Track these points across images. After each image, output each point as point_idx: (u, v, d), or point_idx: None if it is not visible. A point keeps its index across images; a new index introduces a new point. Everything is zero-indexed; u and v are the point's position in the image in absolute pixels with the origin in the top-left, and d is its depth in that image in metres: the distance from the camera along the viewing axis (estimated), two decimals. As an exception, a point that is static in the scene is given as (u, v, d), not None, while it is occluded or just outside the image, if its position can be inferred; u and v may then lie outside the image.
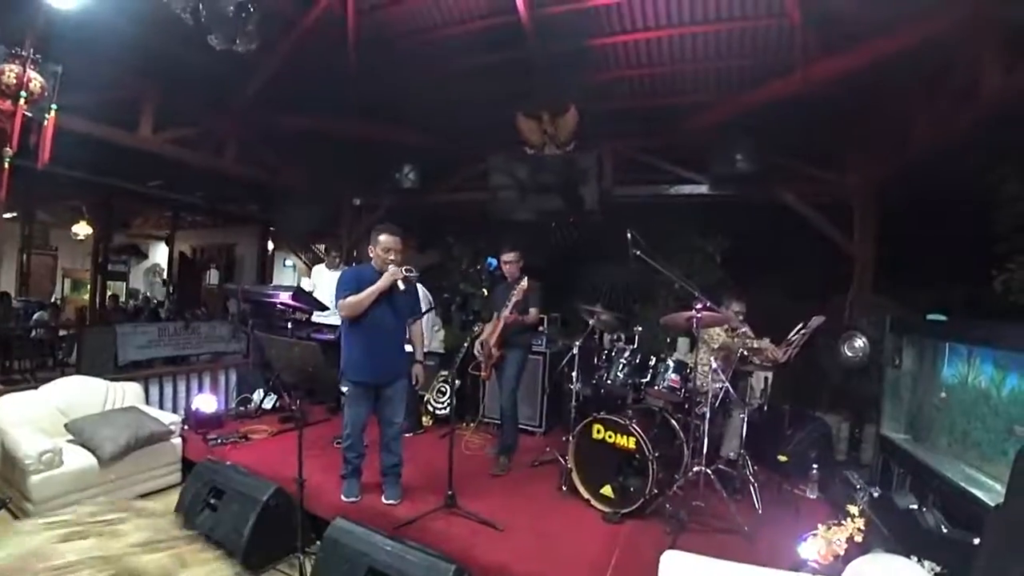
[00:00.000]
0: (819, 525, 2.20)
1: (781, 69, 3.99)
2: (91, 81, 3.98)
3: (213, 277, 10.73)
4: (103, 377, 4.13)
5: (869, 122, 4.50)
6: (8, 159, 3.27)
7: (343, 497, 3.21)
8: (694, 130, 4.83)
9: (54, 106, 3.36)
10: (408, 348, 3.37)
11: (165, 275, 10.89)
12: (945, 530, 2.26)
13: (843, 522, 2.15)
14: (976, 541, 2.04)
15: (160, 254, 11.99)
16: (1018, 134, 3.54)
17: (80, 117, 4.03)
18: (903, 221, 4.66)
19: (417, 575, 2.23)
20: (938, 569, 1.98)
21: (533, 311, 3.75)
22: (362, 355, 3.11)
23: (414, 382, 3.23)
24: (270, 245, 9.37)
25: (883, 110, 4.25)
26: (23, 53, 3.21)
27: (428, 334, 4.69)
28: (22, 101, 3.21)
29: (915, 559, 2.05)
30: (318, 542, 3.02)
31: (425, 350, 3.50)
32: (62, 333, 7.86)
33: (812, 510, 3.26)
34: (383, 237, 3.10)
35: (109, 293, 9.61)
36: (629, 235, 3.08)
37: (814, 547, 2.13)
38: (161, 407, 4.46)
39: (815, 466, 3.50)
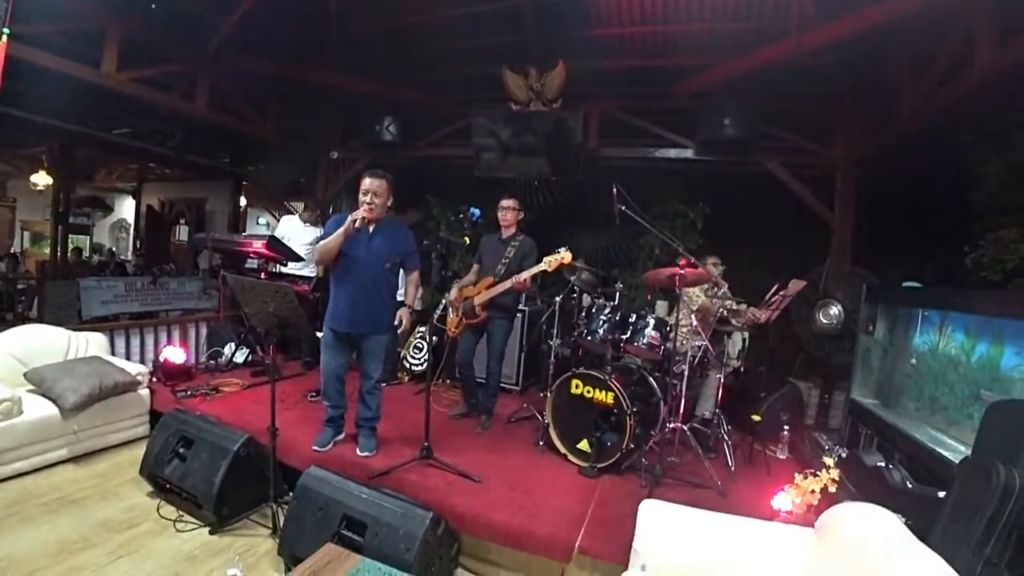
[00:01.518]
0: (795, 475, 2.25)
1: (775, 35, 3.93)
2: (49, 8, 3.68)
3: (183, 232, 10.35)
4: (75, 327, 3.98)
5: (857, 95, 4.50)
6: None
7: (313, 447, 3.18)
8: (683, 93, 4.76)
9: (6, 31, 3.07)
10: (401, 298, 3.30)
11: (132, 230, 10.47)
12: (910, 485, 2.33)
13: (818, 474, 2.20)
14: (941, 494, 2.09)
15: (127, 209, 11.48)
16: (1001, 114, 3.59)
17: (37, 49, 3.72)
18: (883, 195, 4.72)
19: (393, 522, 2.21)
20: (903, 520, 2.05)
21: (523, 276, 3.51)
22: (340, 302, 3.04)
23: (397, 323, 3.13)
24: (243, 201, 9.03)
25: (872, 83, 4.24)
26: (-31, -29, 2.92)
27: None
28: (-33, 25, 2.93)
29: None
30: (291, 493, 2.99)
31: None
32: (21, 286, 7.53)
33: (782, 469, 3.34)
34: (364, 178, 2.99)
35: (72, 247, 9.20)
36: (615, 190, 3.02)
37: (788, 497, 2.17)
38: (128, 359, 4.31)
39: (786, 428, 3.59)
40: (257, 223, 12.00)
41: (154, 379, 3.99)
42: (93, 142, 6.89)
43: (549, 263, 3.34)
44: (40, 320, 5.35)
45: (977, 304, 2.71)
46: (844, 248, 4.56)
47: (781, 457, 3.53)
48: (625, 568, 1.99)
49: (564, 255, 3.33)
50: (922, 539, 1.54)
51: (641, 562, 1.91)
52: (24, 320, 6.49)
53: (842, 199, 4.63)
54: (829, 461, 2.23)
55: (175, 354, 4.19)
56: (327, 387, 3.19)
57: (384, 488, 2.44)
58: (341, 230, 2.90)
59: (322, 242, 2.99)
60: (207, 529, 2.72)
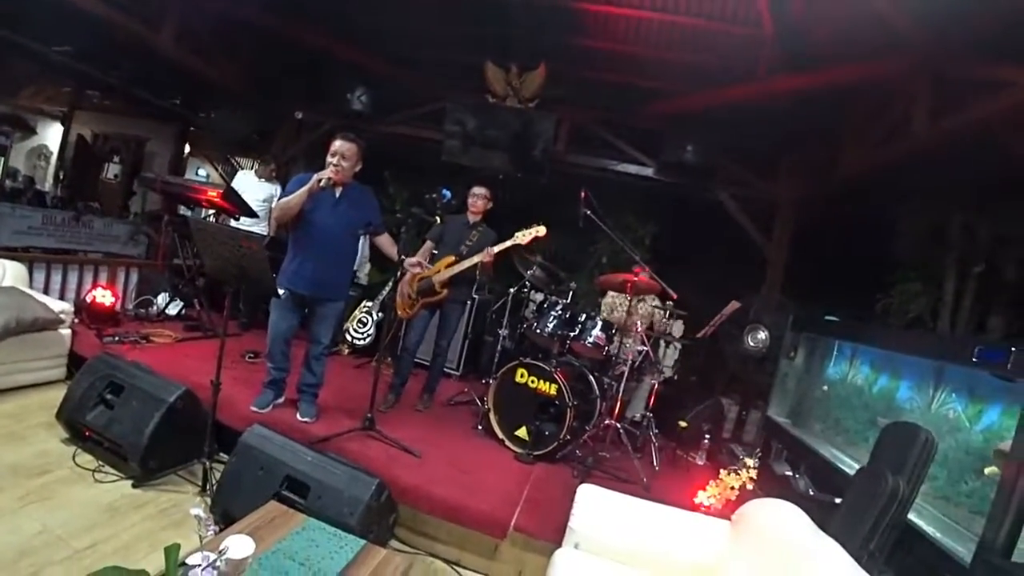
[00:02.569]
0: (720, 470, 2.48)
1: (744, 75, 4.24)
2: None
3: (112, 170, 9.55)
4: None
5: (806, 141, 4.93)
6: None
7: (252, 407, 3.11)
8: (652, 115, 5.02)
9: None
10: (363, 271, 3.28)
11: (55, 160, 9.54)
12: (812, 492, 2.63)
13: (739, 472, 2.43)
14: (837, 501, 2.38)
15: (51, 135, 10.42)
16: (926, 178, 4.07)
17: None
18: (814, 235, 5.19)
19: (338, 486, 2.23)
20: (805, 520, 2.33)
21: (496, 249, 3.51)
22: (302, 264, 2.98)
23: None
24: (187, 147, 8.47)
25: (820, 133, 4.66)
26: None
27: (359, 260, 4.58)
28: None
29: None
30: (222, 453, 2.91)
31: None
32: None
33: (699, 474, 3.62)
34: (335, 140, 2.93)
35: (-18, 167, 8.30)
36: (583, 194, 3.16)
37: (711, 491, 2.39)
38: (47, 294, 3.98)
39: (707, 437, 3.88)
40: (196, 173, 11.29)
41: (77, 320, 3.73)
42: (24, 52, 6.20)
43: (523, 236, 3.41)
44: (-62, 243, 4.84)
45: (884, 339, 3.08)
46: (776, 278, 4.99)
47: (700, 463, 3.82)
48: (558, 546, 2.12)
49: (539, 229, 3.40)
50: (820, 536, 1.77)
51: (575, 540, 2.06)
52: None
53: (779, 234, 5.06)
54: (749, 461, 2.48)
55: (104, 296, 3.93)
56: (273, 348, 3.12)
57: (330, 452, 2.44)
58: (304, 188, 2.85)
59: (284, 199, 2.93)
60: (129, 482, 2.60)
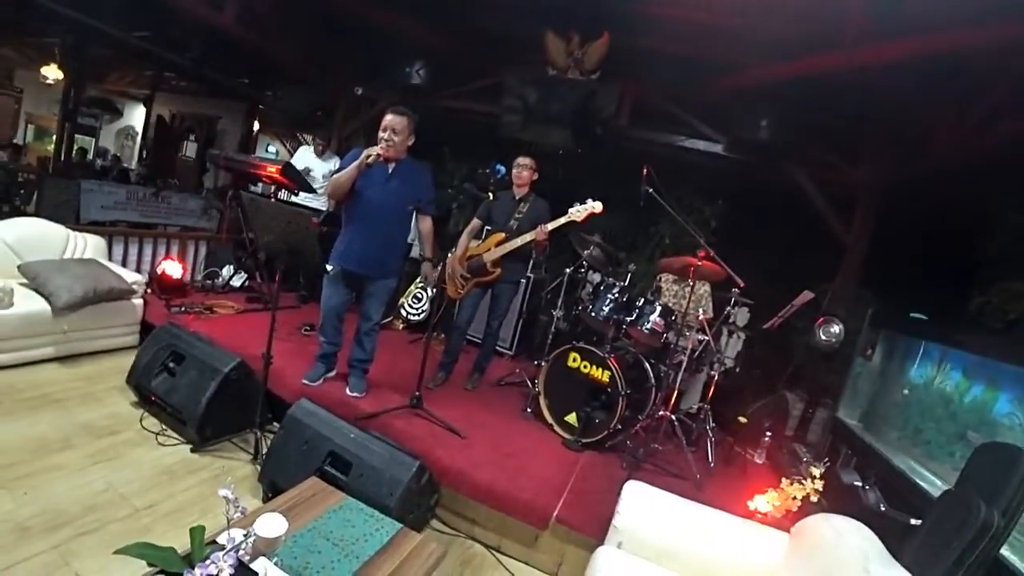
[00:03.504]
0: (782, 479, 2.28)
1: (825, 43, 3.81)
2: None
3: (191, 149, 10.12)
4: (75, 226, 3.88)
5: (894, 120, 4.41)
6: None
7: (303, 380, 3.17)
8: (723, 89, 4.64)
9: None
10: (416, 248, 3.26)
11: (140, 139, 10.21)
12: (883, 508, 2.37)
13: (803, 481, 2.23)
14: (913, 521, 2.13)
15: (136, 116, 11.18)
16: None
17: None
18: (900, 224, 4.69)
19: (378, 465, 2.22)
20: (872, 541, 2.09)
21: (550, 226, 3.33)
22: (353, 241, 2.98)
23: (424, 279, 3.16)
24: (256, 125, 8.81)
25: (912, 111, 4.15)
26: None
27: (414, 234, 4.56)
28: None
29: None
30: (274, 423, 3.00)
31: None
32: (21, 179, 7.35)
33: (757, 473, 3.41)
34: (387, 114, 2.88)
35: (77, 147, 8.97)
36: (645, 171, 2.96)
37: (767, 500, 2.20)
38: (124, 266, 4.24)
39: (768, 434, 3.64)
40: (267, 150, 11.77)
41: (148, 291, 3.95)
42: (109, 40, 6.59)
43: (578, 212, 3.24)
44: (36, 215, 5.24)
45: (981, 346, 2.72)
46: (854, 269, 4.55)
47: (759, 461, 3.59)
48: (600, 543, 2.03)
49: (595, 205, 3.22)
50: (892, 560, 1.58)
51: (619, 539, 1.95)
52: (20, 214, 6.37)
53: (860, 221, 4.60)
54: (815, 471, 2.26)
55: (173, 268, 4.13)
56: (325, 323, 3.16)
57: (372, 431, 2.44)
58: (354, 164, 2.82)
59: (336, 175, 2.91)
60: (188, 447, 2.73)
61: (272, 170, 3.90)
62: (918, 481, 2.61)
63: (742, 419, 3.47)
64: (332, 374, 3.31)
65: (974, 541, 1.66)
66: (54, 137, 8.03)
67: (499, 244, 3.44)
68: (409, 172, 3.04)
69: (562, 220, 3.27)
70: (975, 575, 1.65)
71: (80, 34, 6.62)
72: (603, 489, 2.57)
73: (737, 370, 3.74)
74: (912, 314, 3.32)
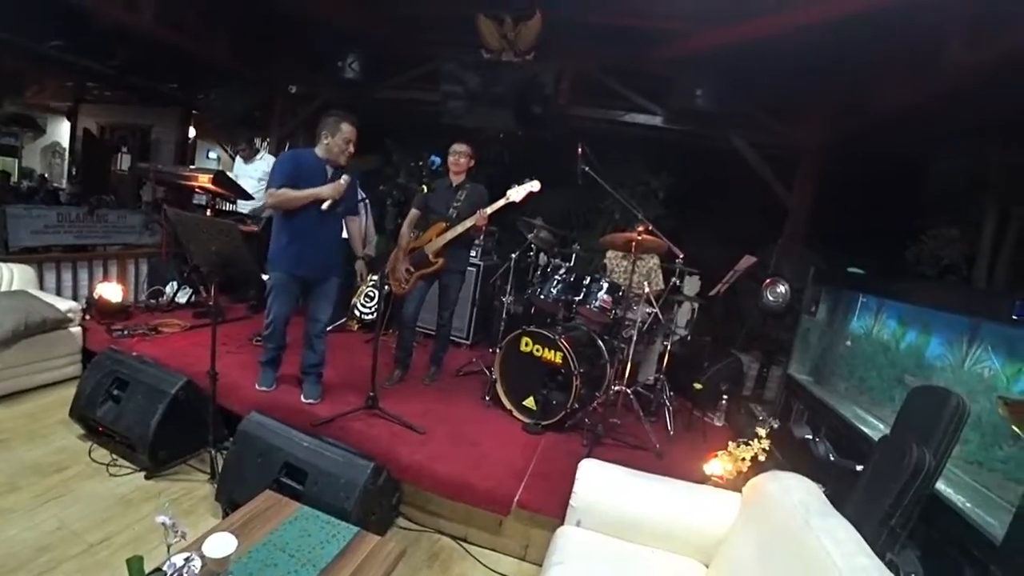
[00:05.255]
0: (729, 443, 2.36)
1: (760, 9, 3.85)
2: None
3: (124, 162, 9.64)
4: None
5: (830, 80, 4.52)
6: None
7: (257, 386, 3.15)
8: (660, 59, 4.67)
9: None
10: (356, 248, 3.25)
11: (67, 155, 9.66)
12: (833, 458, 2.48)
13: (750, 443, 2.31)
14: (859, 468, 2.24)
15: (61, 131, 10.56)
16: (961, 118, 3.70)
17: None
18: (838, 182, 4.85)
19: (334, 471, 2.20)
20: (823, 489, 2.19)
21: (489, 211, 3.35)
22: (294, 246, 2.93)
23: (359, 279, 3.18)
24: (192, 131, 8.45)
25: (845, 72, 4.26)
26: None
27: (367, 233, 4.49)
28: None
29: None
30: (231, 439, 2.94)
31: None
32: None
33: (717, 436, 3.53)
34: (345, 126, 2.88)
35: (-2, 168, 8.46)
36: (580, 149, 2.96)
37: (720, 463, 2.28)
38: (59, 294, 4.03)
39: (725, 397, 3.76)
40: (208, 157, 11.30)
41: (88, 317, 3.78)
42: (20, 51, 6.20)
43: (516, 193, 3.25)
44: (-42, 247, 4.94)
45: (912, 294, 2.85)
46: (798, 229, 4.70)
47: (718, 424, 3.71)
48: (562, 523, 2.07)
49: (533, 184, 3.25)
50: (838, 508, 1.65)
51: (577, 517, 1.99)
52: (-60, 246, 5.98)
53: (801, 183, 4.74)
54: (761, 431, 2.35)
55: (111, 291, 3.95)
56: (275, 331, 3.12)
57: (326, 437, 2.41)
58: (316, 193, 2.84)
59: (289, 193, 2.83)
60: (142, 474, 2.66)
61: (204, 180, 3.76)
62: (864, 429, 2.74)
63: (697, 385, 3.57)
64: (278, 373, 3.27)
65: (908, 482, 1.74)
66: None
67: (440, 234, 3.42)
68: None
69: (501, 202, 3.28)
70: (912, 513, 1.74)
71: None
72: (564, 469, 2.59)
73: (689, 339, 3.83)
74: (850, 269, 3.44)
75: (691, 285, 4.91)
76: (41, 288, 3.89)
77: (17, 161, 9.74)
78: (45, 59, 6.52)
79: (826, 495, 1.91)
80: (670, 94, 4.69)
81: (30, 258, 4.08)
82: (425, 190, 3.32)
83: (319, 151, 2.93)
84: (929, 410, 1.85)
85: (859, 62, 4.03)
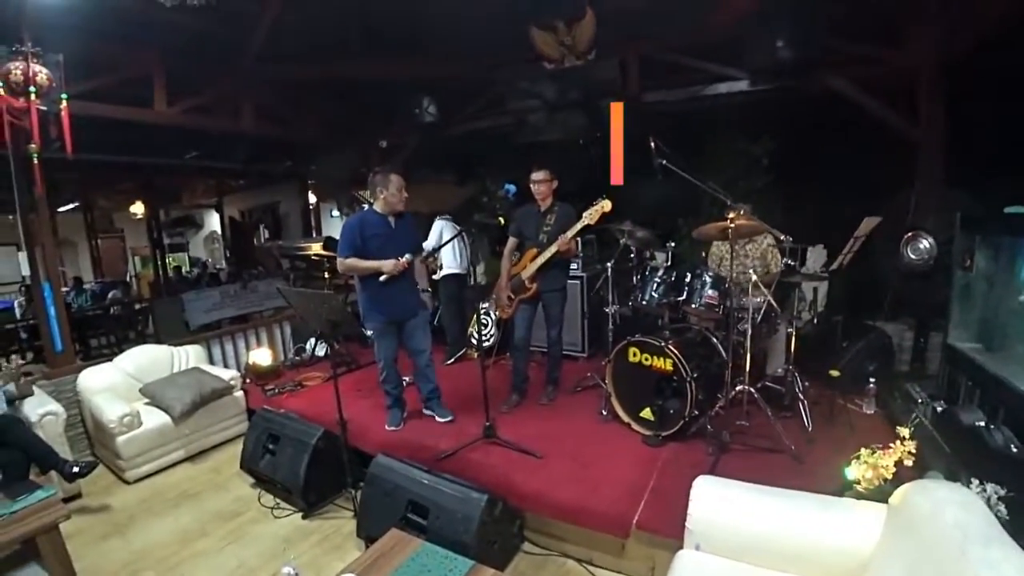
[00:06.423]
0: (862, 449, 2.04)
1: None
2: (95, 63, 4.02)
3: (264, 236, 11.15)
4: (178, 341, 4.47)
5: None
6: (35, 155, 3.38)
7: (387, 426, 3.48)
8: (726, 20, 4.26)
9: (64, 95, 3.38)
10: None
11: (222, 240, 11.43)
12: (1015, 450, 2.04)
13: (891, 445, 1.98)
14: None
15: (214, 222, 12.56)
16: None
17: (95, 102, 4.06)
18: (977, 103, 4.01)
19: (451, 506, 2.31)
20: (1002, 492, 1.80)
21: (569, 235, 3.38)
22: (378, 298, 3.25)
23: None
24: (312, 198, 9.52)
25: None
26: (23, 48, 3.21)
27: (456, 259, 4.77)
28: (33, 96, 3.24)
29: (976, 481, 1.89)
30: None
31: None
32: (139, 307, 8.52)
33: (869, 426, 3.11)
34: (394, 177, 3.19)
35: (173, 264, 10.23)
36: (652, 144, 2.83)
37: (858, 471, 1.98)
38: (225, 365, 4.77)
39: (872, 380, 3.29)
40: (331, 215, 12.60)
41: (247, 380, 4.39)
42: (169, 169, 7.55)
43: (590, 216, 3.29)
44: (156, 335, 6.05)
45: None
46: (934, 168, 3.98)
47: (868, 412, 3.25)
48: (682, 544, 1.95)
49: (604, 204, 3.27)
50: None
51: (695, 541, 1.87)
52: (144, 337, 7.38)
53: (927, 111, 4.00)
54: (904, 432, 2.00)
55: (261, 356, 4.58)
56: (389, 372, 3.45)
57: (443, 473, 2.54)
58: (378, 265, 3.13)
59: (355, 263, 3.17)
60: (300, 514, 3.02)
61: (316, 247, 4.23)
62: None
63: (834, 372, 3.16)
64: (405, 413, 3.60)
65: None
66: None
67: (533, 259, 3.53)
68: (407, 222, 3.35)
69: (578, 227, 3.32)
70: None
71: (146, 172, 7.58)
72: (685, 485, 2.44)
73: (815, 320, 3.42)
74: (1008, 209, 2.83)
75: (817, 256, 4.41)
76: (210, 361, 4.60)
77: (187, 254, 11.78)
78: (188, 168, 7.85)
79: (1009, 500, 1.57)
80: (748, 54, 4.27)
81: (199, 337, 4.86)
82: (502, 222, 3.42)
83: (378, 207, 3.24)
84: None
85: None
